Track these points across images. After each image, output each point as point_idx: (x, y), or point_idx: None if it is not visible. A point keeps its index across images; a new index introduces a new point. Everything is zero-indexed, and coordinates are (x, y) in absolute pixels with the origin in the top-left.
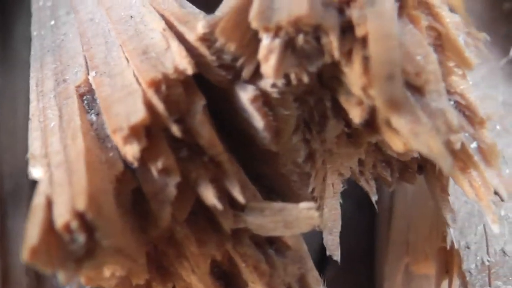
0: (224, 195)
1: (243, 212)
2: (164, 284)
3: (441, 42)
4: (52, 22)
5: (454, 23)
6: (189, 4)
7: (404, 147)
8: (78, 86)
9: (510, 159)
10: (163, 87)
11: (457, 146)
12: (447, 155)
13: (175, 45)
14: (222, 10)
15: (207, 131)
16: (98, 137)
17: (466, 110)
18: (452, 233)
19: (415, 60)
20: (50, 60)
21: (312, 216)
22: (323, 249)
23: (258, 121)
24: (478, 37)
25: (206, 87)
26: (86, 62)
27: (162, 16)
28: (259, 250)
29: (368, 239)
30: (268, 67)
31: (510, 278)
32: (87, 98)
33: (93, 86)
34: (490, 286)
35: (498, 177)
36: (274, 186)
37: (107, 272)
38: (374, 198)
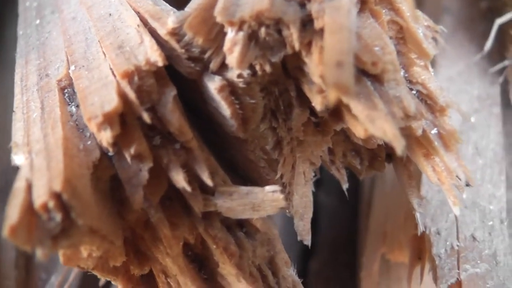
0: (195, 180)
1: (213, 196)
2: (141, 267)
3: (402, 35)
4: (38, 21)
5: (414, 17)
6: (163, 2)
7: (365, 133)
8: (60, 80)
9: (483, 151)
10: (136, 78)
11: (418, 132)
12: (401, 138)
13: (147, 39)
14: (191, 6)
15: (176, 119)
16: (78, 127)
17: (427, 99)
18: (419, 220)
19: (372, 51)
20: (34, 56)
21: (277, 198)
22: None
23: (225, 109)
24: (436, 29)
25: (179, 78)
26: (68, 58)
27: (138, 13)
28: (229, 232)
29: (352, 230)
30: (233, 58)
31: (478, 262)
32: (68, 91)
33: (73, 80)
34: (458, 269)
35: (457, 161)
36: (247, 174)
37: (84, 252)
38: (344, 186)
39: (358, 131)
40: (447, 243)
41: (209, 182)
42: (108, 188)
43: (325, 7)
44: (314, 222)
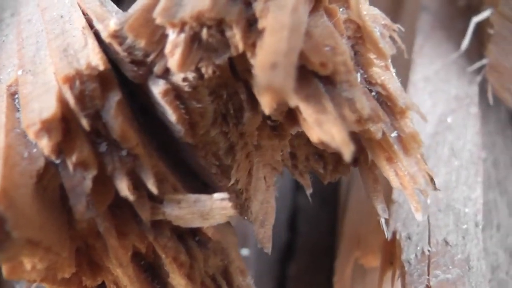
0: (144, 188)
1: (162, 204)
2: (93, 278)
3: (361, 34)
4: None
5: (372, 16)
6: (111, 3)
7: (317, 138)
8: (10, 86)
9: (460, 152)
10: (77, 83)
11: (378, 135)
12: (350, 144)
13: (91, 42)
14: (134, 7)
15: (119, 125)
16: (24, 134)
17: (387, 101)
18: (384, 225)
19: (322, 51)
20: None
21: (226, 206)
22: (287, 246)
23: (170, 114)
24: (394, 28)
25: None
26: (18, 62)
27: (85, 15)
28: (181, 241)
29: (332, 234)
30: (173, 61)
31: (450, 267)
32: (18, 96)
33: (18, 85)
34: (428, 275)
35: (418, 165)
36: (204, 180)
37: (27, 264)
38: (308, 191)
39: (311, 135)
40: (418, 248)
41: (154, 189)
42: (58, 197)
43: (270, 5)
44: (294, 226)
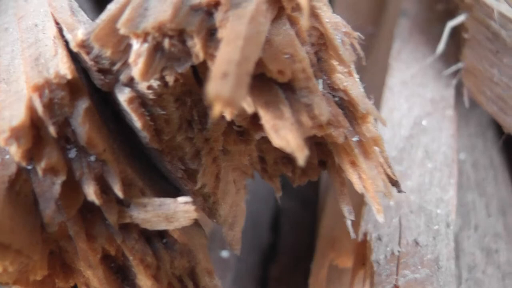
0: (112, 192)
1: (129, 208)
2: (66, 280)
3: (324, 41)
4: None
5: (333, 23)
6: (82, 13)
7: (275, 143)
8: None
9: (434, 154)
10: (46, 92)
11: (340, 140)
12: (303, 149)
13: (60, 51)
14: (101, 17)
15: (85, 132)
16: None
17: (349, 106)
18: (350, 227)
19: (280, 58)
20: None
21: (189, 210)
22: (269, 248)
23: (135, 121)
24: (354, 36)
25: None
26: None
27: (57, 24)
28: (149, 244)
29: (313, 236)
30: (137, 70)
31: (419, 267)
32: None
33: None
34: (397, 275)
35: (378, 168)
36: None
37: None
38: (278, 194)
39: (271, 140)
40: (388, 248)
41: (119, 194)
42: (31, 202)
43: (229, 15)
44: (276, 227)
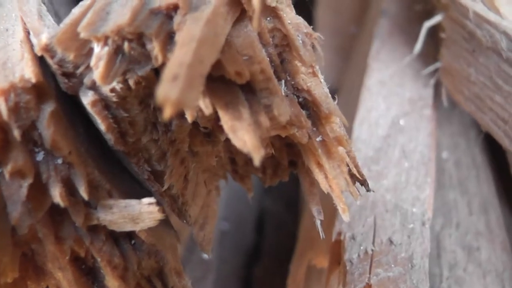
0: (78, 194)
1: (96, 210)
2: (38, 282)
3: (287, 42)
4: None
5: (295, 24)
6: (49, 17)
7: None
8: None
9: (411, 153)
10: (12, 96)
11: (304, 140)
12: (259, 149)
13: (26, 56)
14: (65, 21)
15: (50, 135)
16: None
17: (313, 106)
18: (320, 227)
19: (238, 60)
20: None
21: (153, 211)
22: (253, 249)
23: (99, 124)
24: (315, 37)
25: None
26: None
27: (25, 28)
28: (117, 245)
29: (297, 237)
30: (97, 73)
31: (392, 266)
32: None
33: None
34: (370, 274)
35: (339, 168)
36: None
37: None
38: (250, 195)
39: (232, 140)
40: (361, 247)
41: (85, 196)
42: (2, 205)
43: (187, 18)
44: (260, 228)
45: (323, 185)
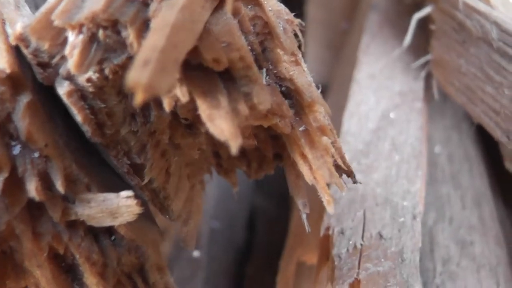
0: (55, 189)
1: (74, 204)
2: (17, 281)
3: (269, 30)
4: None
5: (276, 11)
6: (26, 8)
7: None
8: None
9: (401, 146)
10: None
11: (287, 130)
12: (237, 137)
13: (1, 46)
14: (40, 10)
15: (25, 127)
16: None
17: (296, 95)
18: (305, 220)
19: (216, 47)
20: None
21: (131, 204)
22: (244, 247)
23: (76, 115)
24: (296, 23)
25: None
26: None
27: (1, 19)
28: (96, 241)
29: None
30: (72, 62)
31: (382, 260)
32: None
33: None
34: (359, 268)
35: (322, 158)
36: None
37: None
38: (235, 189)
39: (209, 129)
40: (350, 242)
41: (61, 190)
42: None
43: (163, 5)
44: (251, 226)
45: (308, 176)
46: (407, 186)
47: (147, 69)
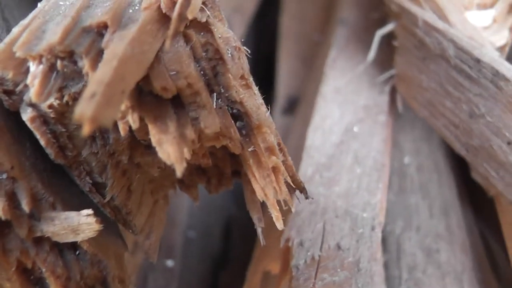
0: (21, 208)
1: (39, 222)
2: None
3: (220, 55)
4: None
5: (225, 38)
6: None
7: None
8: None
9: (364, 159)
10: None
11: (237, 150)
12: (182, 162)
13: None
14: (5, 40)
15: None
16: None
17: (245, 117)
18: (260, 235)
19: (164, 76)
20: None
21: (91, 222)
22: (220, 256)
23: (39, 139)
24: (242, 50)
25: None
26: None
27: None
28: (61, 255)
29: None
30: (33, 91)
31: (338, 270)
32: None
33: None
34: (315, 279)
35: (270, 177)
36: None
37: None
38: (195, 203)
39: (158, 153)
40: (309, 253)
41: (26, 209)
42: None
43: (114, 36)
44: (228, 236)
45: (259, 193)
46: (368, 198)
47: (92, 102)
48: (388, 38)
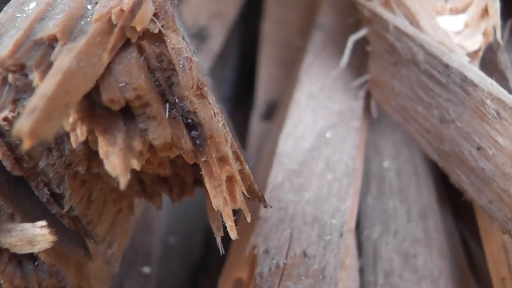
0: None
1: None
2: None
3: (173, 66)
4: None
5: (177, 49)
6: None
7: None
8: None
9: (335, 165)
10: None
11: (190, 161)
12: (126, 174)
13: None
14: None
15: None
16: None
17: (199, 127)
18: (220, 244)
19: (113, 88)
20: None
21: (45, 233)
22: (200, 262)
23: None
24: (193, 61)
25: None
26: None
27: None
28: (20, 266)
29: None
30: None
31: (303, 278)
32: None
33: None
34: (278, 287)
35: (220, 187)
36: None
37: None
38: (159, 211)
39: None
40: (274, 261)
41: None
42: None
43: (63, 49)
44: (208, 241)
45: (215, 202)
46: (337, 205)
47: (32, 116)
48: (363, 43)
